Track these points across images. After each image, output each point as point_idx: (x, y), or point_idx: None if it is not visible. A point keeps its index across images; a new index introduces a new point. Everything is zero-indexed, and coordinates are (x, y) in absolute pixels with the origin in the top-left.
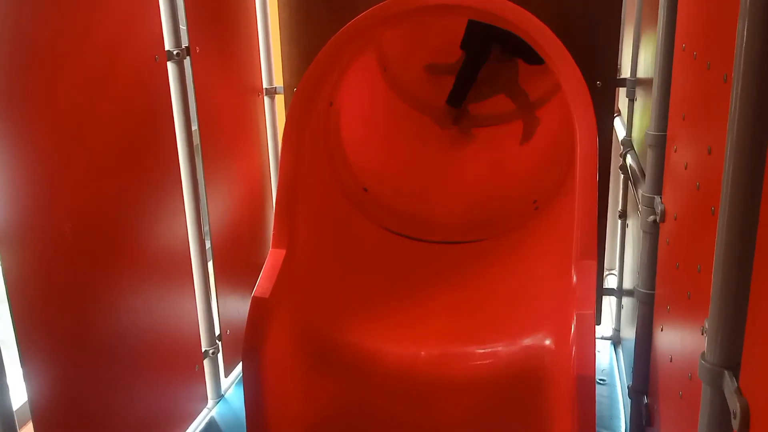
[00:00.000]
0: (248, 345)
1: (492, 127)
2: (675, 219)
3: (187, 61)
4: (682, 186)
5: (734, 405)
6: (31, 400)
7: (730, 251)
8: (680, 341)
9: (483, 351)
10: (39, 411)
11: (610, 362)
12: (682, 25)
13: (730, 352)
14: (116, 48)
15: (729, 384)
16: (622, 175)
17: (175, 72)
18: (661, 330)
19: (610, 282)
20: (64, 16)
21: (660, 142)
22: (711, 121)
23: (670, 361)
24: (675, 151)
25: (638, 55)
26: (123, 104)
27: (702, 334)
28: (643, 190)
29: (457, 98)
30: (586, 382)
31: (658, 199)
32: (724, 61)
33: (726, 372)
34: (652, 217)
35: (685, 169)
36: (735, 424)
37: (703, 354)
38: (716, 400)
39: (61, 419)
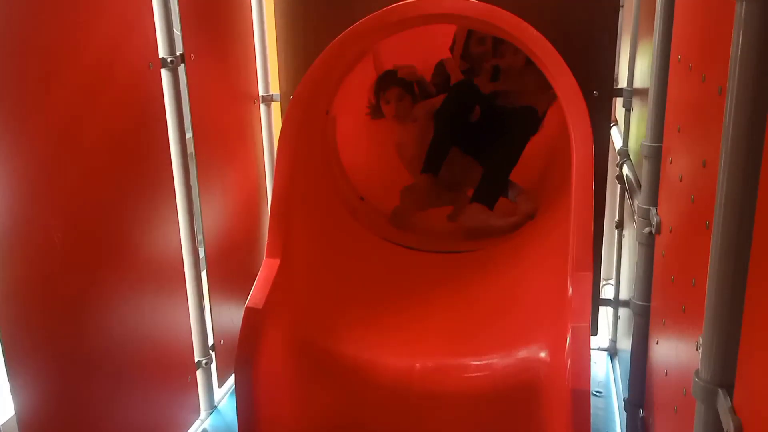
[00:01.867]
0: (241, 356)
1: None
2: (670, 231)
3: (181, 69)
4: (678, 198)
5: (728, 424)
6: (18, 414)
7: (724, 267)
8: (675, 355)
9: (478, 363)
10: (26, 425)
11: (606, 373)
12: (678, 36)
13: (724, 371)
14: (110, 55)
15: (723, 402)
16: (618, 185)
17: (169, 79)
18: (657, 343)
19: (607, 292)
20: (58, 23)
21: (655, 154)
22: (706, 134)
23: (665, 375)
24: (670, 163)
25: (635, 65)
26: (116, 112)
27: (696, 349)
28: (639, 201)
29: (433, 164)
30: (580, 396)
31: (653, 210)
32: (719, 74)
33: (720, 390)
34: (647, 229)
35: (680, 181)
36: None
37: (697, 371)
38: (710, 418)
39: None
